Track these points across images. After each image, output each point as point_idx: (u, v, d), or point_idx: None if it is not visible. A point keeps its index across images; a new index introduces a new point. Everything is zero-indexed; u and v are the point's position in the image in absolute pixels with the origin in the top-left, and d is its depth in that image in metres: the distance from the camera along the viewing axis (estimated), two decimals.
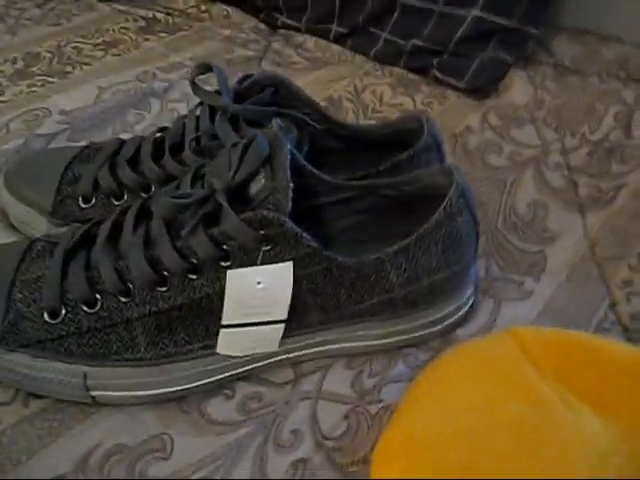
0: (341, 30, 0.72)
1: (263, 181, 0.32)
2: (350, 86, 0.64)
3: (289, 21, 0.76)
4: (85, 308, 0.33)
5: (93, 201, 0.43)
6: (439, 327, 0.37)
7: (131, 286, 0.33)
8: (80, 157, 0.45)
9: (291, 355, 0.36)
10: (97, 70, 0.67)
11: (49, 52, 0.71)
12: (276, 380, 0.36)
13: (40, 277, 0.35)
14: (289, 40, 0.75)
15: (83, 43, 0.73)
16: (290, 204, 0.31)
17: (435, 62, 0.65)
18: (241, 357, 0.35)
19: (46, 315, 0.33)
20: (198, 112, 0.45)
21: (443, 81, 0.64)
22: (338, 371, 0.36)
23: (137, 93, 0.61)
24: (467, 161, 0.52)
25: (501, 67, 0.63)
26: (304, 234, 0.31)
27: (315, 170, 0.38)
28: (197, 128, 0.43)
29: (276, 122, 0.35)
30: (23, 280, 0.35)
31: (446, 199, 0.35)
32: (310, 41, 0.74)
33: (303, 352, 0.36)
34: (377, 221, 0.41)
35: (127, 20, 0.80)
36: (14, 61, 0.69)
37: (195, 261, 0.32)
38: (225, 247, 0.32)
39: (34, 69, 0.67)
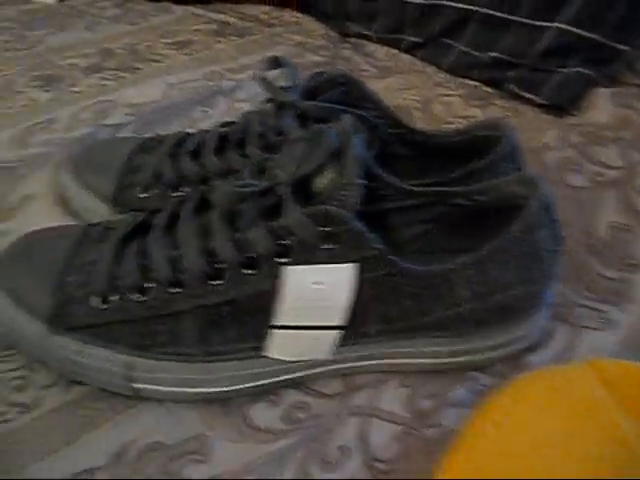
0: (413, 40, 0.70)
1: (330, 176, 0.30)
2: (419, 95, 0.62)
3: (360, 29, 0.75)
4: (135, 296, 0.32)
5: (152, 191, 0.42)
6: (508, 350, 0.34)
7: (183, 277, 0.32)
8: (143, 147, 0.45)
9: (344, 365, 0.34)
10: (167, 67, 0.68)
11: (123, 49, 0.73)
12: (325, 391, 0.33)
13: (93, 261, 0.34)
14: (359, 48, 0.74)
15: (156, 42, 0.75)
16: (358, 202, 0.29)
17: (512, 75, 0.62)
18: (291, 362, 0.33)
19: (95, 300, 0.32)
20: (264, 108, 0.43)
21: (519, 96, 0.61)
22: (392, 388, 0.33)
23: (204, 91, 0.61)
24: (544, 178, 0.49)
25: (584, 84, 0.59)
26: (370, 234, 0.29)
27: (383, 173, 0.36)
28: (263, 124, 0.42)
29: (347, 117, 0.33)
30: (76, 264, 0.34)
31: (527, 209, 0.32)
32: (381, 50, 0.73)
33: (357, 364, 0.34)
34: (445, 232, 0.38)
35: (201, 23, 0.81)
36: (89, 56, 0.71)
37: (252, 255, 0.30)
38: (284, 242, 0.30)
39: (107, 64, 0.69)
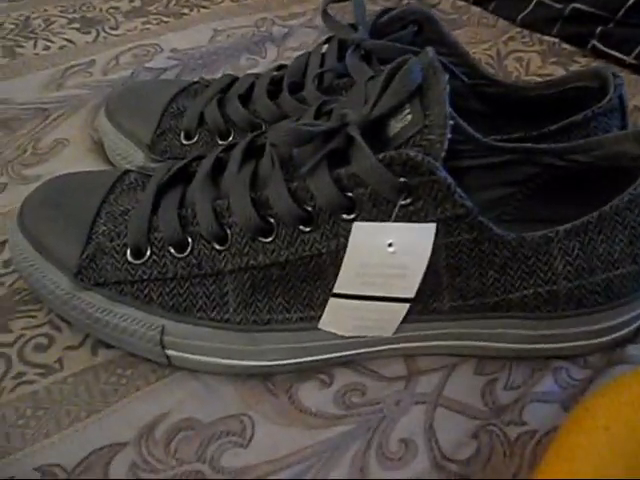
0: None
1: (410, 117, 0.25)
2: (492, 50, 0.55)
3: None
4: (173, 251, 0.28)
5: (196, 137, 0.38)
6: (606, 339, 0.29)
7: (229, 232, 0.27)
8: (188, 90, 0.41)
9: (408, 345, 0.29)
10: (214, 13, 0.63)
11: None
12: (386, 373, 0.29)
13: (128, 211, 0.30)
14: (423, 0, 0.67)
15: None
16: (445, 149, 0.24)
17: (598, 31, 0.54)
18: (347, 338, 0.28)
19: (129, 253, 0.28)
20: (324, 49, 0.38)
21: (606, 54, 0.54)
22: (465, 375, 0.29)
23: (253, 37, 0.56)
24: None
25: None
26: (457, 189, 0.24)
27: (461, 121, 0.30)
28: (322, 65, 0.37)
29: (430, 49, 0.27)
30: (109, 212, 0.30)
31: None
32: (446, 2, 0.66)
33: (424, 344, 0.29)
34: (528, 198, 0.33)
35: None
36: (132, 0, 0.66)
37: (310, 209, 0.25)
38: (351, 195, 0.25)
39: (151, 8, 0.64)
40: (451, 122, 0.24)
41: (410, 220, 0.24)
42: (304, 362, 0.28)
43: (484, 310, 0.28)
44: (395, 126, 0.25)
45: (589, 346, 0.29)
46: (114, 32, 0.59)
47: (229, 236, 0.27)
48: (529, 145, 0.31)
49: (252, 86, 0.39)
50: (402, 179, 0.24)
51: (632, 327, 0.29)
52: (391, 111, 0.25)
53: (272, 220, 0.26)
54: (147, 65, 0.51)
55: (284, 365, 0.28)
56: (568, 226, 0.26)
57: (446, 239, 0.25)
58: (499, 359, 0.29)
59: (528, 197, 0.33)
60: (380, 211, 0.24)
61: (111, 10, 0.64)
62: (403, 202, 0.24)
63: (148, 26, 0.60)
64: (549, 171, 0.31)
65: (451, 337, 0.29)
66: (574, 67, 0.53)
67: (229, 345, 0.28)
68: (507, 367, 0.29)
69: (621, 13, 0.53)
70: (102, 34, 0.58)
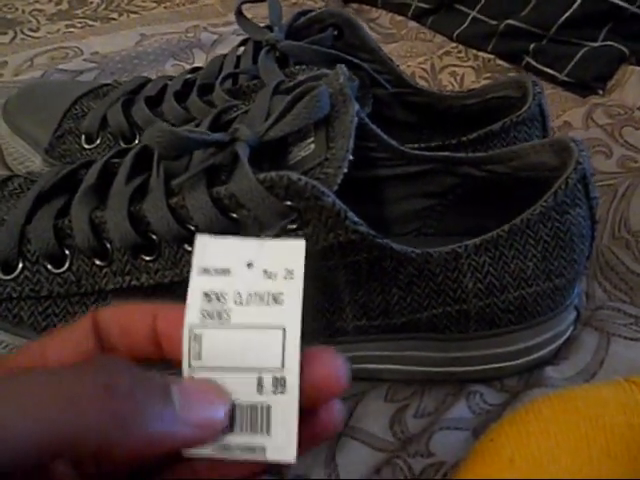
0: (423, 6, 0.63)
1: (313, 146, 0.23)
2: (426, 64, 0.55)
3: None
4: (49, 266, 0.25)
5: (98, 141, 0.35)
6: (522, 361, 0.27)
7: (110, 247, 0.24)
8: (96, 92, 0.38)
9: None
10: (144, 19, 0.60)
11: None
12: None
13: (4, 220, 0.27)
14: (362, 14, 0.67)
15: None
16: (340, 180, 0.22)
17: (531, 48, 0.54)
18: None
19: None
20: (240, 52, 0.36)
21: (539, 71, 0.54)
22: (375, 402, 0.26)
23: (180, 43, 0.54)
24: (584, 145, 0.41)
25: (613, 60, 0.52)
26: (349, 214, 0.22)
27: (377, 130, 0.28)
28: (235, 67, 0.34)
29: (342, 69, 0.25)
30: None
31: (559, 182, 0.24)
32: (385, 17, 0.66)
33: None
34: (449, 210, 0.31)
35: None
36: (59, 2, 0.63)
37: (193, 227, 0.23)
38: (235, 216, 0.22)
39: (78, 12, 0.61)
40: (350, 157, 0.22)
41: None
42: None
43: (392, 331, 0.25)
44: (298, 153, 0.23)
45: (505, 368, 0.27)
46: (33, 34, 0.55)
47: (109, 252, 0.24)
48: (446, 154, 0.29)
49: (164, 89, 0.36)
50: (288, 202, 0.21)
51: (550, 348, 0.27)
52: (290, 136, 0.23)
53: (154, 237, 0.24)
54: (61, 67, 0.48)
55: None
56: (477, 241, 0.24)
57: (344, 259, 0.23)
58: (412, 384, 0.27)
59: (449, 209, 0.31)
60: (267, 235, 0.22)
61: (34, 12, 0.61)
62: (290, 227, 0.22)
63: (72, 29, 0.57)
64: (468, 182, 0.30)
65: (360, 360, 0.27)
66: None
67: None
68: (419, 392, 0.26)
69: (553, 30, 0.53)
70: (20, 35, 0.55)
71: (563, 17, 0.53)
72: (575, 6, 0.52)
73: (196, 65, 0.38)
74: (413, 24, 0.63)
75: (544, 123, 0.31)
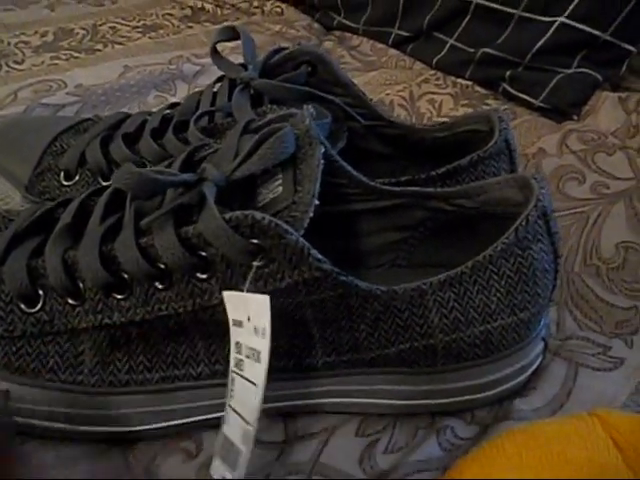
0: (402, 34, 0.64)
1: (281, 189, 0.23)
2: (405, 92, 0.56)
3: (346, 22, 0.69)
4: (22, 306, 0.25)
5: (76, 178, 0.35)
6: (491, 393, 0.27)
7: (82, 286, 0.25)
8: (76, 128, 0.38)
9: (288, 404, 0.27)
10: (128, 50, 0.61)
11: (83, 29, 0.66)
12: (264, 437, 0.26)
13: None
14: (343, 41, 0.68)
15: (121, 24, 0.68)
16: (307, 223, 0.22)
17: (507, 75, 0.55)
18: (216, 398, 0.26)
19: None
20: (216, 88, 0.37)
21: (515, 97, 0.55)
22: (345, 437, 0.26)
23: (163, 74, 0.54)
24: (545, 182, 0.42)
25: (587, 87, 0.53)
26: (312, 251, 0.22)
27: (348, 166, 0.29)
28: (211, 105, 0.35)
29: (308, 110, 0.26)
30: None
31: (520, 218, 0.25)
32: (366, 44, 0.67)
33: (305, 402, 0.27)
34: (421, 243, 0.32)
35: (173, 7, 0.75)
36: (44, 34, 0.64)
37: (163, 266, 0.23)
38: (205, 254, 0.23)
39: (63, 43, 0.62)
40: (316, 202, 0.22)
41: (266, 282, 0.22)
42: (167, 427, 0.26)
43: (361, 365, 0.26)
44: (266, 195, 0.24)
45: (475, 400, 0.27)
46: (18, 67, 0.56)
47: (82, 291, 0.25)
48: (415, 189, 0.30)
49: (143, 125, 0.37)
50: (254, 240, 0.22)
51: (519, 380, 0.28)
52: (257, 176, 0.24)
53: (125, 276, 0.24)
54: (43, 101, 0.48)
55: (145, 431, 0.26)
56: (442, 277, 0.25)
57: (309, 297, 0.23)
58: (383, 418, 0.27)
59: (421, 242, 0.32)
60: (235, 272, 0.23)
61: (20, 44, 0.61)
62: (258, 264, 0.22)
63: (56, 61, 0.58)
64: (438, 215, 0.31)
65: (332, 395, 0.27)
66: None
67: (84, 411, 0.25)
68: (390, 426, 0.27)
69: (528, 58, 0.54)
70: (4, 68, 0.56)
71: (537, 45, 0.54)
72: (549, 34, 0.53)
73: (175, 101, 0.39)
74: (393, 51, 0.64)
75: (511, 157, 0.32)
